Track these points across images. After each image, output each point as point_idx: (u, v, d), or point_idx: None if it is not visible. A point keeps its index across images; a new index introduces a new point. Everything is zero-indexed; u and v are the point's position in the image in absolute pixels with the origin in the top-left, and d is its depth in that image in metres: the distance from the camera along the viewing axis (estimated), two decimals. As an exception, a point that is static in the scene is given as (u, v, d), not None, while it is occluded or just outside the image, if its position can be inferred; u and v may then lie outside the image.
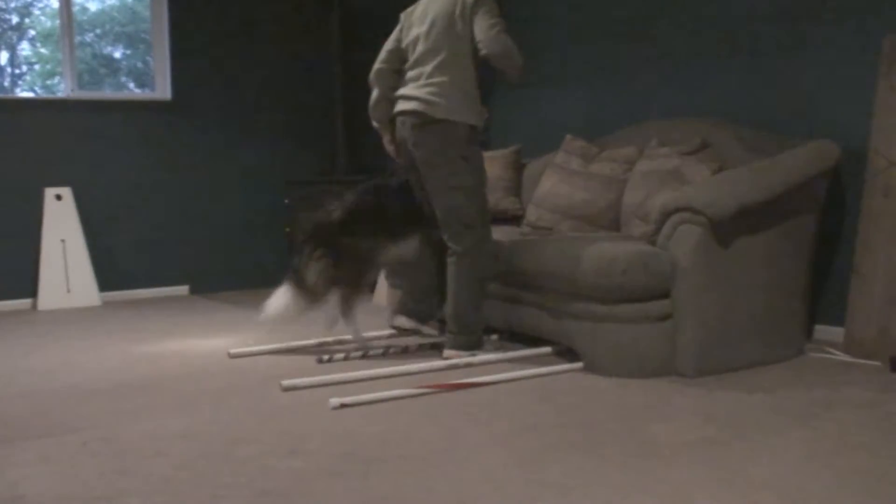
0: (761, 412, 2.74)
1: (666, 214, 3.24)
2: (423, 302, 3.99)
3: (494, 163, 4.58)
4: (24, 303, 5.42)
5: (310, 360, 3.63)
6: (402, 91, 3.59)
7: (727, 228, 3.18)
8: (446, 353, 3.55)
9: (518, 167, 4.70)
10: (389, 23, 6.15)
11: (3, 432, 2.71)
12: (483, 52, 3.39)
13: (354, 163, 6.27)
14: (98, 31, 6.17)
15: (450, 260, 3.56)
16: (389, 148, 3.81)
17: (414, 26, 3.61)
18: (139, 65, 6.30)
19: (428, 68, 3.50)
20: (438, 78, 3.47)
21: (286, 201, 5.99)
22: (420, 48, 3.54)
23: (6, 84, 5.98)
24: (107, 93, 5.94)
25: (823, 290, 3.74)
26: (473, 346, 3.57)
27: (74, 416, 2.89)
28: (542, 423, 2.68)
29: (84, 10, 5.99)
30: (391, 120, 3.69)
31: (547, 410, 2.82)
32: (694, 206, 3.14)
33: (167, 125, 5.83)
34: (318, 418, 2.79)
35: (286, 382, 3.18)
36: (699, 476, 2.19)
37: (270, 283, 6.12)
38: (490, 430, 2.62)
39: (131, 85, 6.30)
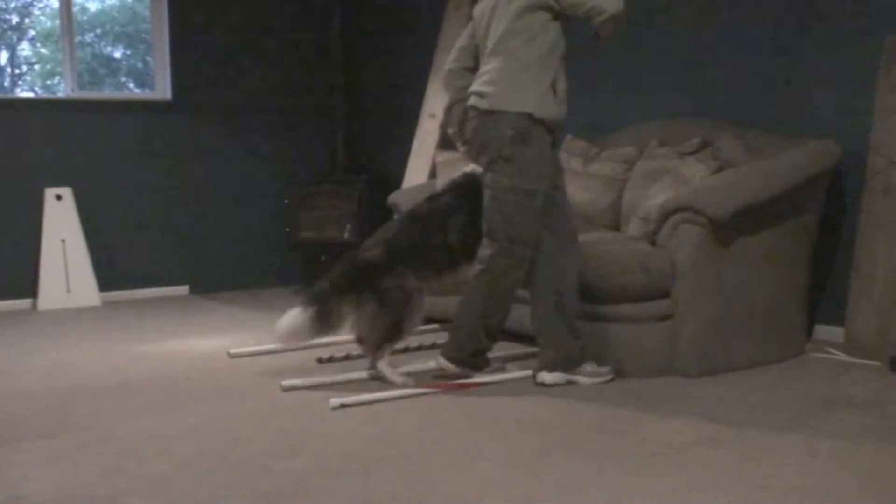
0: (761, 412, 2.74)
1: (666, 214, 3.24)
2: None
3: (494, 163, 4.58)
4: (24, 303, 5.41)
5: (310, 360, 3.63)
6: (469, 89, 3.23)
7: (727, 228, 3.18)
8: (440, 360, 3.21)
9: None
10: (389, 23, 6.17)
11: (3, 432, 2.70)
12: (599, 18, 2.89)
13: (354, 163, 6.27)
14: (98, 31, 6.18)
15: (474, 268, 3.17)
16: (462, 151, 3.39)
17: (484, 16, 3.18)
18: (139, 65, 6.30)
19: (485, 56, 3.13)
20: (491, 64, 3.07)
21: (286, 201, 5.99)
22: (483, 37, 3.17)
23: (6, 84, 5.98)
24: (107, 93, 5.94)
25: (823, 289, 3.74)
26: (465, 364, 3.19)
27: (74, 416, 2.89)
28: (542, 423, 2.68)
29: (84, 10, 5.99)
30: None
31: (547, 410, 2.82)
32: (694, 206, 3.13)
33: (167, 125, 5.82)
34: (318, 418, 2.78)
35: (286, 382, 3.18)
36: (699, 476, 2.19)
37: (270, 283, 6.17)
38: (490, 430, 2.61)
39: (131, 85, 6.30)
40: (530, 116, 3.00)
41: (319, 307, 3.18)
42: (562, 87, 3.07)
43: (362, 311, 3.21)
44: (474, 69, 3.24)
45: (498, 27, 3.07)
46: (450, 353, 3.20)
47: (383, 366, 3.24)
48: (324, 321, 3.18)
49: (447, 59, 3.40)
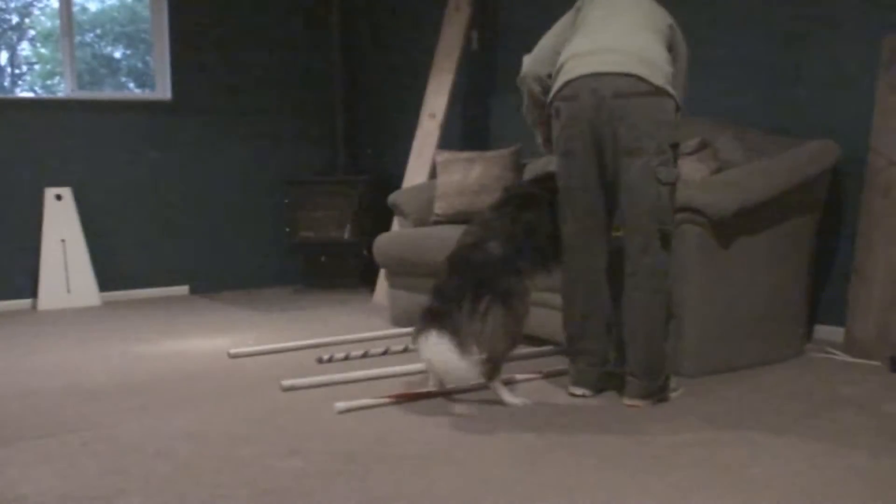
0: (761, 412, 2.74)
1: (666, 214, 3.23)
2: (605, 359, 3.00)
3: (494, 163, 4.58)
4: (24, 303, 5.41)
5: (310, 360, 3.63)
6: (579, 47, 2.75)
7: (727, 228, 3.18)
8: (629, 401, 2.83)
9: (518, 167, 4.69)
10: (390, 23, 6.17)
11: (3, 432, 2.71)
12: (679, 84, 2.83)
13: (354, 163, 6.27)
14: (98, 31, 6.18)
15: (632, 282, 2.79)
16: (548, 147, 3.13)
17: (597, 8, 2.88)
18: (139, 65, 6.30)
19: (624, 23, 2.73)
20: (644, 35, 2.71)
21: (286, 201, 6.00)
22: (603, 13, 2.82)
23: (6, 84, 5.98)
24: (107, 93, 5.94)
25: (823, 290, 3.74)
26: (664, 389, 2.86)
27: (74, 416, 2.89)
28: (542, 423, 2.68)
29: (84, 10, 5.99)
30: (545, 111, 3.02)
31: (547, 411, 2.82)
32: (694, 206, 3.13)
33: (167, 125, 5.82)
34: (319, 418, 2.78)
35: (286, 382, 3.18)
36: (699, 476, 2.19)
37: (270, 283, 6.17)
38: (490, 431, 2.61)
39: (131, 85, 6.30)
40: (678, 107, 2.82)
41: (455, 328, 2.66)
42: None
43: (488, 322, 2.72)
44: (549, 77, 2.93)
45: (633, 5, 2.84)
46: (643, 391, 2.82)
47: (500, 386, 2.87)
48: (466, 342, 2.67)
49: (529, 57, 3.03)
